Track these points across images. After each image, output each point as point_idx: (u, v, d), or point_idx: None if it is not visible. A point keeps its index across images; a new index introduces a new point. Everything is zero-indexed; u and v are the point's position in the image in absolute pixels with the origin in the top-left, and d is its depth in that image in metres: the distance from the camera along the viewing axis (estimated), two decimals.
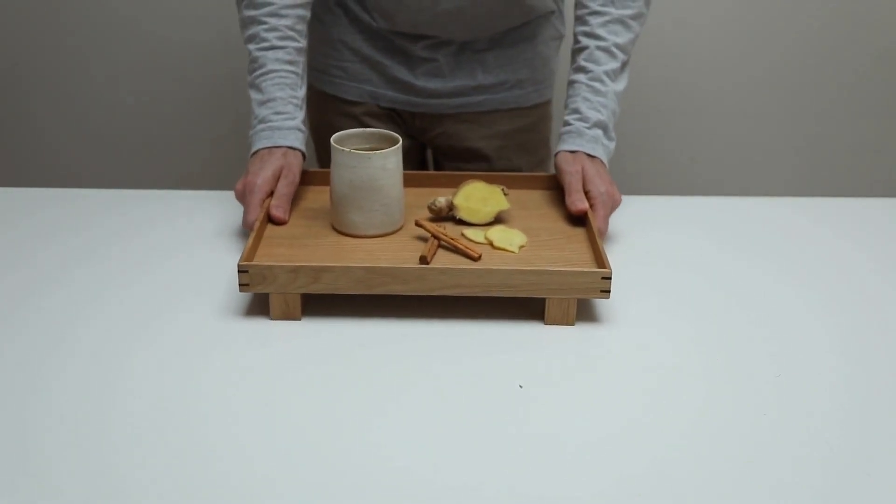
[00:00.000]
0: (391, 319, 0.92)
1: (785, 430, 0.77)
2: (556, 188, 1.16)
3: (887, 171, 2.13)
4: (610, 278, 0.90)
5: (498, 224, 1.05)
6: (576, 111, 1.14)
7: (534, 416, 0.79)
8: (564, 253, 0.99)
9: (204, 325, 0.91)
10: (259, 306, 0.94)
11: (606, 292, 0.90)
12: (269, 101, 1.12)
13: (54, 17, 1.98)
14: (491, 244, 1.00)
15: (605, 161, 1.13)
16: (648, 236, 1.13)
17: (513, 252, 0.99)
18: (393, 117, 1.39)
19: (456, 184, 1.14)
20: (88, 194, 1.23)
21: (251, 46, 1.15)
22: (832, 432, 0.77)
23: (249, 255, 0.94)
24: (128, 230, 1.12)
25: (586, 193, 1.07)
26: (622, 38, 1.16)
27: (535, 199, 1.14)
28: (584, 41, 1.16)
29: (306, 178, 1.15)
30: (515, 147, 1.40)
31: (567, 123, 1.15)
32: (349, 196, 1.00)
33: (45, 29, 1.99)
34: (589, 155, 1.12)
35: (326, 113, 1.40)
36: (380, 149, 1.02)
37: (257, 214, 1.03)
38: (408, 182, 1.10)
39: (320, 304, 0.94)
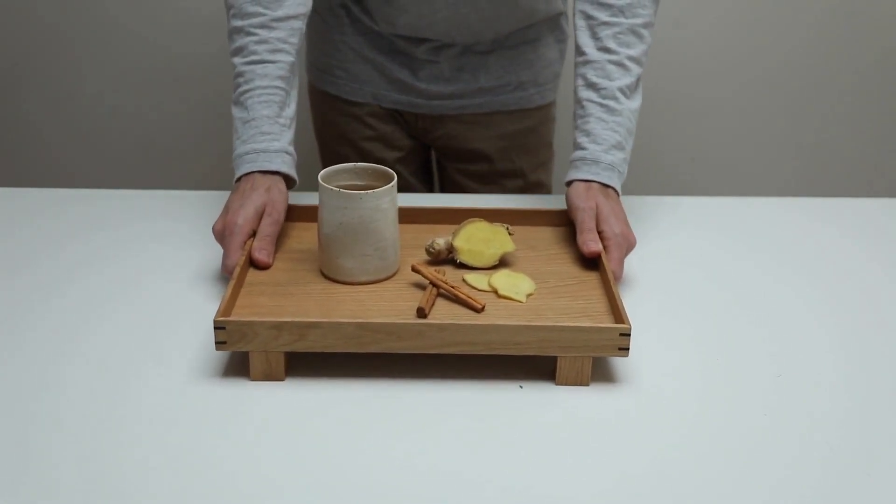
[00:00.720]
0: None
1: (785, 430, 0.77)
2: (564, 224, 1.06)
3: (888, 172, 2.15)
4: (629, 334, 0.81)
5: (503, 268, 0.96)
6: (589, 133, 1.05)
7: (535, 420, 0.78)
8: (577, 302, 0.90)
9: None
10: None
11: (625, 349, 0.81)
12: (253, 119, 1.03)
13: (53, 19, 1.97)
14: (496, 292, 0.91)
15: (620, 188, 1.05)
16: (648, 236, 1.11)
17: (520, 301, 0.89)
18: (396, 118, 1.36)
19: (457, 219, 1.04)
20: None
21: (237, 60, 1.06)
22: (832, 432, 0.77)
23: (227, 308, 0.84)
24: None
25: (600, 233, 0.98)
26: (635, 49, 1.07)
27: (543, 237, 1.04)
28: (594, 55, 1.07)
29: (292, 214, 1.05)
30: (517, 148, 1.37)
31: (580, 147, 1.05)
32: (339, 239, 0.91)
33: (44, 30, 1.98)
34: (603, 184, 1.03)
35: (329, 113, 1.39)
36: (373, 186, 0.93)
37: (238, 258, 0.93)
38: (403, 217, 0.99)
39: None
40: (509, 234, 0.97)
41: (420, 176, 1.46)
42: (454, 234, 0.96)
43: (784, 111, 2.06)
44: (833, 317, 0.96)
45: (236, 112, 1.05)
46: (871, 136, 2.10)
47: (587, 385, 0.83)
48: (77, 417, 0.77)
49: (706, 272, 1.04)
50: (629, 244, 0.99)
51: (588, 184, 1.03)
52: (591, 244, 0.96)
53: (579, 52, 1.09)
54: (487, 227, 0.97)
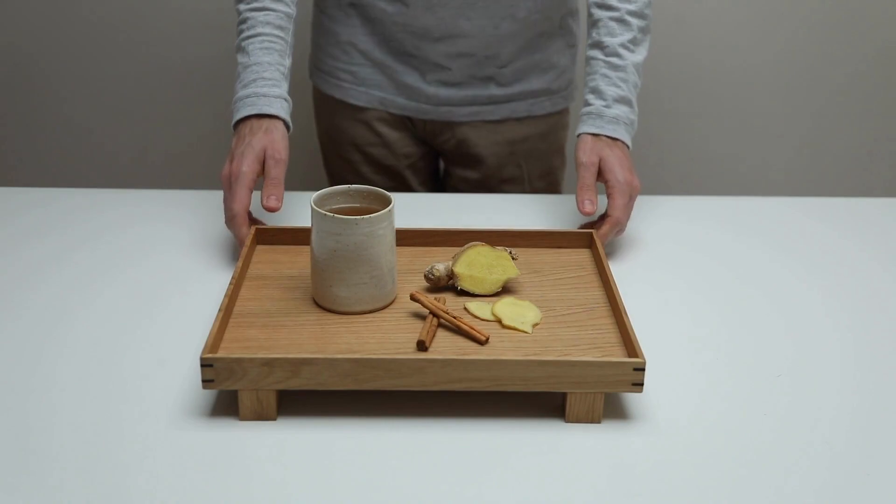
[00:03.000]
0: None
1: (786, 430, 0.77)
2: (569, 245, 1.01)
3: (887, 172, 2.15)
4: (643, 369, 0.76)
5: (506, 295, 0.91)
6: (595, 90, 1.11)
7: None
8: (586, 332, 0.85)
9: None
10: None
11: (639, 385, 0.76)
12: (255, 64, 1.07)
13: (52, 21, 1.96)
14: (500, 322, 0.86)
15: (629, 139, 1.09)
16: (649, 235, 1.12)
17: (525, 332, 0.84)
18: (405, 123, 1.36)
19: (456, 241, 0.99)
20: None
21: (242, 6, 1.12)
22: (832, 432, 0.77)
23: (215, 342, 0.79)
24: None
25: (605, 182, 1.02)
26: (634, 3, 1.13)
27: (548, 260, 0.99)
28: (597, 13, 1.14)
29: (283, 237, 1.00)
30: (525, 154, 1.38)
31: (587, 103, 1.11)
32: (332, 266, 0.86)
33: (42, 32, 1.97)
34: (610, 137, 1.07)
35: (335, 118, 1.38)
36: (368, 209, 0.87)
37: (242, 203, 0.98)
38: (399, 240, 0.94)
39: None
40: (513, 258, 0.92)
41: (429, 186, 1.47)
42: (454, 260, 0.91)
43: (784, 110, 2.06)
44: (833, 316, 0.95)
45: (239, 58, 1.10)
46: (871, 135, 2.10)
47: (599, 422, 0.78)
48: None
49: (706, 271, 1.04)
50: (633, 189, 1.04)
51: (595, 136, 1.07)
52: (586, 203, 1.01)
53: (587, 13, 1.16)
54: (489, 251, 0.92)
